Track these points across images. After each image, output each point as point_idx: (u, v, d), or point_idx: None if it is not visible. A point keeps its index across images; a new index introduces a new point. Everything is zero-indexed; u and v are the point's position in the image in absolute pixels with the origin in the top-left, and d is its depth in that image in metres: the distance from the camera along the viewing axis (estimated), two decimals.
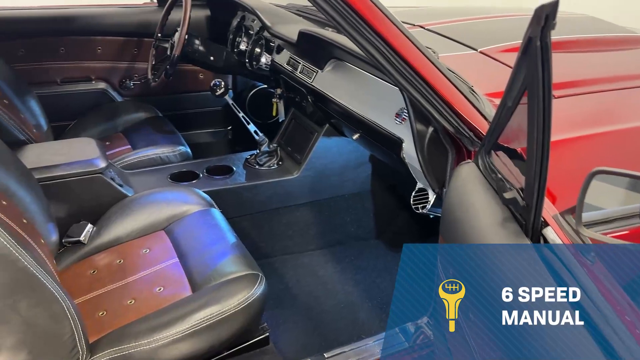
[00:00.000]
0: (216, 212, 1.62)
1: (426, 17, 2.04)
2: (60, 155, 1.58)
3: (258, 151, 1.97)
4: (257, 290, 1.26)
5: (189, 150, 2.05)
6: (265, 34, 2.10)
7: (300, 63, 1.83)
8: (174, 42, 2.07)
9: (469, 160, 1.06)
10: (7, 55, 2.10)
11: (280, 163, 1.98)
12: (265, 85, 2.70)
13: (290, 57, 1.90)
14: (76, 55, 2.27)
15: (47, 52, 2.22)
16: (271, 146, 1.97)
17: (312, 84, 1.75)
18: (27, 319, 0.95)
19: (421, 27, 1.94)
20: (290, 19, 2.04)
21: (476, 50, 1.68)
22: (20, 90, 2.04)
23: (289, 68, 1.89)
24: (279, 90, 2.15)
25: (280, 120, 2.24)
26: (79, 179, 1.55)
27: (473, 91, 1.24)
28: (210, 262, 1.38)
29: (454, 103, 1.09)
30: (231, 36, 2.33)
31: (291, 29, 1.85)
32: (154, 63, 2.21)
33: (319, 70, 1.75)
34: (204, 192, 1.73)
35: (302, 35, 1.70)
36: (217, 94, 1.84)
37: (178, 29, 2.07)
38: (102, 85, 2.37)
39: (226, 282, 1.29)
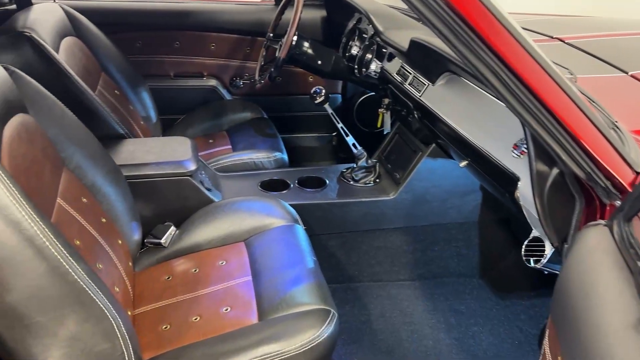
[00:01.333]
0: (299, 230, 1.51)
1: (567, 28, 1.74)
2: (152, 153, 1.57)
3: (355, 165, 1.83)
4: (326, 330, 1.12)
5: (285, 157, 1.97)
6: (378, 39, 1.95)
7: (410, 74, 1.65)
8: (283, 43, 1.99)
9: (601, 222, 0.82)
10: (125, 46, 2.18)
11: (377, 181, 1.82)
12: (374, 93, 2.55)
13: (401, 67, 1.73)
14: (190, 50, 2.30)
15: (162, 46, 2.27)
16: (370, 161, 1.82)
17: (420, 98, 1.57)
18: (75, 334, 0.90)
19: (561, 40, 1.66)
20: (406, 24, 1.86)
21: (626, 73, 1.38)
22: (134, 82, 2.10)
23: (398, 78, 1.72)
24: (386, 101, 1.99)
25: (385, 133, 2.08)
26: (167, 179, 1.52)
27: (617, 127, 0.98)
28: (283, 287, 1.27)
29: (587, 142, 0.86)
30: (344, 39, 2.21)
31: (404, 36, 1.68)
32: (262, 64, 2.16)
33: (430, 84, 1.55)
34: (292, 204, 1.63)
35: (414, 44, 1.53)
36: (316, 101, 1.73)
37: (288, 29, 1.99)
38: (212, 82, 2.38)
39: (294, 315, 1.17)
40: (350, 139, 1.78)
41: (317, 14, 2.36)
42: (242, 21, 2.30)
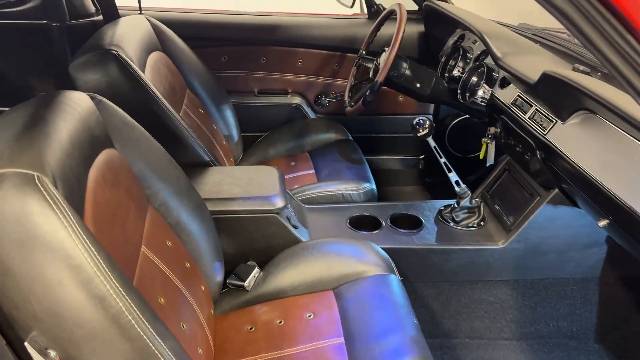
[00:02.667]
0: (395, 282, 1.34)
1: None
2: (238, 186, 1.44)
3: (456, 205, 1.62)
4: None
5: (374, 188, 1.80)
6: (489, 60, 1.73)
7: (532, 106, 1.43)
8: (379, 64, 1.82)
9: None
10: (211, 61, 2.09)
11: (482, 224, 1.61)
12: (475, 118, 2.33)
13: (518, 96, 1.51)
14: (276, 66, 2.18)
15: (248, 61, 2.16)
16: (474, 201, 1.61)
17: (546, 136, 1.34)
18: None
19: None
20: (526, 48, 1.64)
21: None
22: (218, 99, 2.01)
23: (515, 109, 1.50)
24: (492, 130, 1.76)
25: (487, 165, 1.86)
26: (254, 216, 1.39)
27: None
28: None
29: None
30: (444, 58, 2.01)
31: (527, 64, 1.46)
32: (352, 84, 2.00)
33: (559, 121, 1.33)
34: (385, 248, 1.46)
35: (547, 78, 1.31)
36: (419, 134, 1.54)
37: (386, 48, 1.82)
38: (297, 99, 2.25)
39: None
40: (453, 176, 1.58)
41: (413, 29, 2.17)
42: (332, 36, 2.15)
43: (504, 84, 1.62)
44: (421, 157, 2.48)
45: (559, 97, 1.32)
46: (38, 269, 0.70)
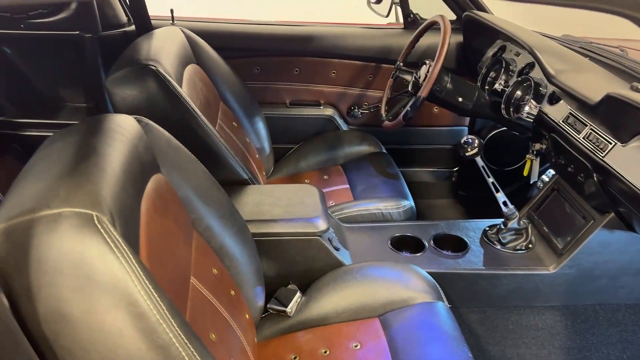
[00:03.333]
0: (444, 310, 1.28)
1: None
2: (279, 207, 1.40)
3: (503, 226, 1.56)
4: None
5: (414, 205, 1.74)
6: (534, 74, 1.67)
7: (587, 125, 1.37)
8: (418, 77, 1.77)
9: None
10: (244, 72, 2.05)
11: (530, 246, 1.55)
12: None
13: (570, 114, 1.45)
14: (310, 77, 2.13)
15: (281, 72, 2.12)
16: (522, 222, 1.55)
17: (604, 158, 1.28)
18: None
19: None
20: (578, 64, 1.57)
21: None
22: (250, 112, 1.97)
23: (567, 128, 1.44)
24: (537, 146, 1.70)
25: (531, 182, 1.80)
26: (296, 239, 1.34)
27: None
28: None
29: None
30: (484, 70, 1.95)
31: (585, 82, 1.40)
32: (389, 96, 1.95)
33: (618, 143, 1.27)
34: (429, 272, 1.41)
35: (611, 100, 1.24)
36: (467, 153, 1.48)
37: (427, 61, 1.76)
38: (329, 111, 2.20)
39: None
40: (501, 196, 1.52)
41: (451, 39, 2.11)
42: (366, 46, 2.10)
43: (554, 100, 1.56)
44: (455, 169, 2.42)
45: (621, 118, 1.25)
46: (98, 317, 0.66)
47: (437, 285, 1.36)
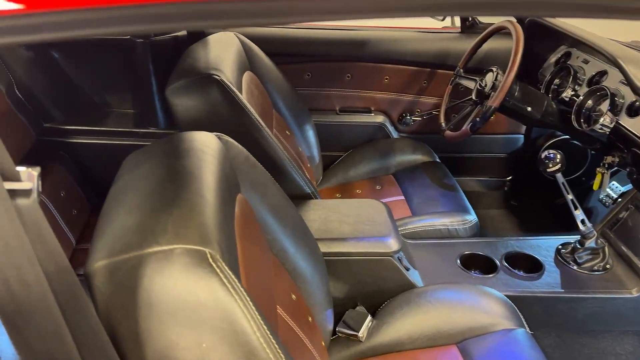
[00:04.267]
0: (527, 338, 1.22)
1: None
2: (346, 224, 1.34)
3: (579, 245, 1.49)
4: None
5: (477, 219, 1.67)
6: (609, 83, 1.60)
7: None
8: (484, 85, 1.69)
9: None
10: (294, 78, 2.00)
11: (607, 267, 1.47)
12: (568, 137, 2.18)
13: None
14: (362, 83, 2.07)
15: (332, 78, 2.06)
16: (599, 241, 1.48)
17: None
18: None
19: None
20: None
21: None
22: (301, 119, 1.92)
23: None
24: (609, 159, 1.62)
25: (600, 197, 1.72)
26: (366, 259, 1.29)
27: None
28: None
29: None
30: (548, 77, 1.87)
31: None
32: (448, 106, 1.88)
33: None
34: (507, 294, 1.34)
35: None
36: (549, 169, 1.41)
37: (493, 68, 1.69)
38: (380, 118, 2.14)
39: None
40: (579, 214, 1.45)
41: (508, 44, 2.03)
42: (422, 51, 2.03)
43: (634, 111, 1.48)
44: (508, 178, 2.34)
45: None
46: (212, 358, 0.61)
47: (517, 310, 1.29)
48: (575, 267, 1.48)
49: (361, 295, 1.33)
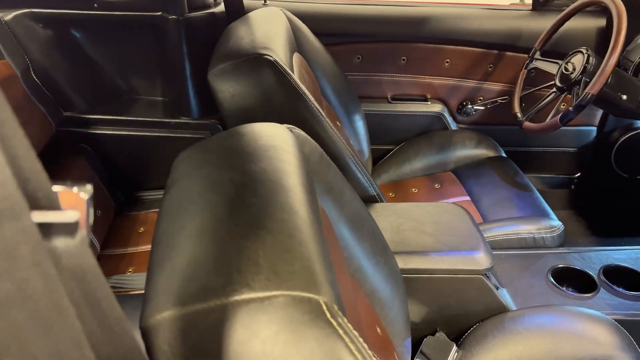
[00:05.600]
0: None
1: None
2: (426, 234, 1.14)
3: None
4: None
5: (563, 226, 1.46)
6: None
7: None
8: (571, 69, 1.47)
9: None
10: (343, 61, 1.80)
11: None
12: None
13: None
14: (418, 67, 1.86)
15: (385, 61, 1.85)
16: None
17: None
18: None
19: None
20: None
21: None
22: (351, 109, 1.71)
23: None
24: None
25: None
26: (452, 277, 1.09)
27: None
28: None
29: None
30: (637, 60, 1.64)
31: None
32: (522, 93, 1.66)
33: None
34: (617, 319, 1.14)
35: None
36: None
37: (583, 49, 1.48)
38: (438, 107, 1.92)
39: None
40: None
41: (590, 23, 1.80)
42: (488, 31, 1.81)
43: None
44: (576, 175, 2.12)
45: None
46: None
47: (631, 338, 1.09)
48: None
49: (442, 319, 1.14)
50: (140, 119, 1.65)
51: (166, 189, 0.62)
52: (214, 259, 0.46)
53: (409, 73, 1.87)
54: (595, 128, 2.02)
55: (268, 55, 1.14)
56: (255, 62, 1.14)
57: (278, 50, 1.21)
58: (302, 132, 0.82)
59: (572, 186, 2.14)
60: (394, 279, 0.99)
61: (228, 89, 1.16)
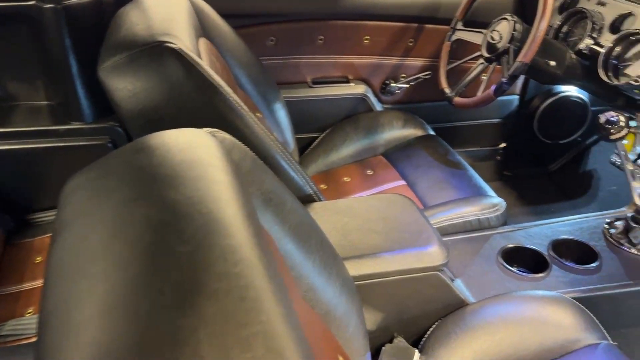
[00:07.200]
0: (615, 353, 0.98)
1: None
2: (374, 232, 1.03)
3: (634, 223, 1.27)
4: None
5: (505, 203, 1.42)
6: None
7: None
8: (497, 38, 1.42)
9: None
10: (255, 45, 1.64)
11: None
12: (568, 93, 1.99)
13: None
14: (337, 47, 1.74)
15: (302, 42, 1.72)
16: None
17: None
18: None
19: None
20: None
21: None
22: (270, 97, 1.57)
23: None
24: None
25: (612, 160, 1.53)
26: (407, 277, 0.99)
27: None
28: None
29: None
30: (558, 22, 1.63)
31: None
32: (447, 67, 1.60)
33: None
34: (577, 298, 1.10)
35: None
36: (612, 136, 1.17)
37: (507, 16, 1.43)
38: (361, 88, 1.82)
39: None
40: (638, 187, 1.22)
41: None
42: (407, 4, 1.73)
43: None
44: (500, 146, 2.12)
45: None
46: None
47: (594, 317, 1.06)
48: (633, 251, 1.26)
49: (400, 323, 1.04)
50: (22, 129, 1.41)
51: (53, 236, 0.45)
52: (134, 351, 0.31)
53: (328, 54, 1.75)
54: (517, 97, 2.02)
55: (170, 42, 0.97)
56: (156, 51, 0.97)
57: (181, 35, 1.04)
58: (227, 136, 0.67)
59: (498, 157, 2.14)
60: (347, 290, 0.87)
61: (126, 86, 0.98)
